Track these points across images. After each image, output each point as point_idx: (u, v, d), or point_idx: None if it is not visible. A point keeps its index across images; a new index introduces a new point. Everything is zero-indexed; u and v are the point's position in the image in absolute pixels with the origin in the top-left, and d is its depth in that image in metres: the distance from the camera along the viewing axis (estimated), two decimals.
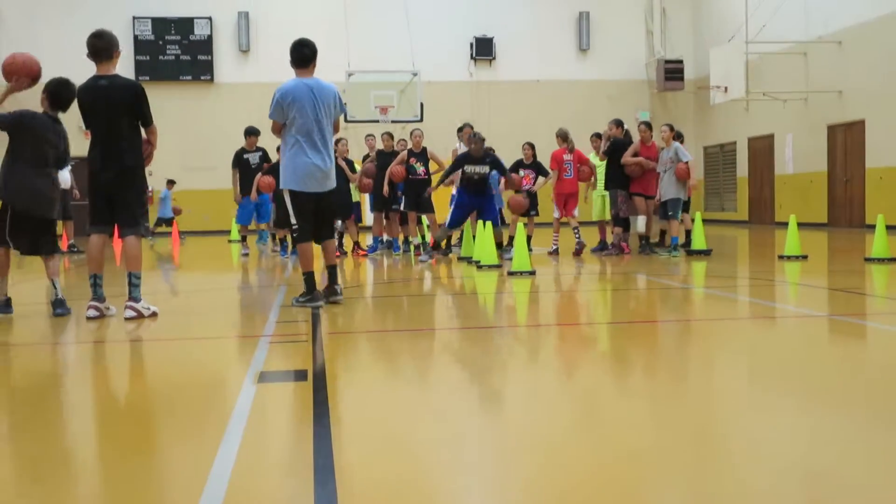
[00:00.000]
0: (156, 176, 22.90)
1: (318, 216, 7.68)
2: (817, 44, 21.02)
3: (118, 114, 7.05)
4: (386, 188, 14.07)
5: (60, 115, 7.67)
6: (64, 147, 7.63)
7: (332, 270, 7.76)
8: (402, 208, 14.22)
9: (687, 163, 12.69)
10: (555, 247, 14.01)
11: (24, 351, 6.21)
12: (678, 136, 13.00)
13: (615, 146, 13.39)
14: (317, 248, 7.87)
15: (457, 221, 12.90)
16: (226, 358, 5.70)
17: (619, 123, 13.72)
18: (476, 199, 12.71)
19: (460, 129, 14.34)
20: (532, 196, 14.03)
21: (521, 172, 14.09)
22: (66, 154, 7.67)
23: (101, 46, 7.12)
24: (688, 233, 13.46)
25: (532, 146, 14.48)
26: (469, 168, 12.52)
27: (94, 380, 5.20)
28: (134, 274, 7.11)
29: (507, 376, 4.98)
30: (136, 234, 7.19)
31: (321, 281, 7.81)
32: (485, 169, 12.57)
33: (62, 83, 7.62)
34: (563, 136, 13.76)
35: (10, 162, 7.44)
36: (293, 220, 7.62)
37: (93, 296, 7.16)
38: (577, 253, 13.39)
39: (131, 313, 7.03)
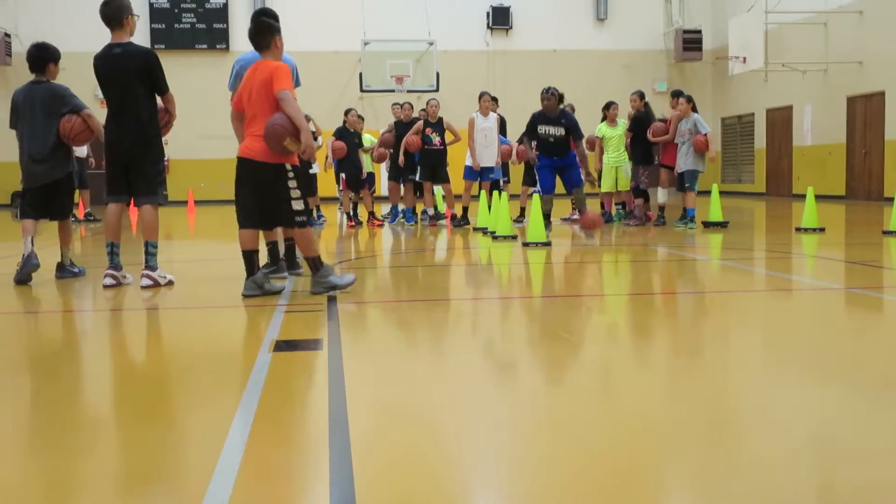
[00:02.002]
0: (171, 145, 22.95)
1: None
2: (838, 13, 20.78)
3: (132, 82, 7.02)
4: (402, 158, 14.05)
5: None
6: (67, 102, 7.61)
7: (291, 244, 7.65)
8: (417, 178, 14.22)
9: (706, 135, 12.61)
10: (570, 215, 14.17)
11: (41, 319, 6.26)
12: (693, 107, 12.91)
13: (637, 120, 13.38)
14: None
15: (548, 186, 11.59)
16: (241, 326, 5.72)
17: (641, 96, 13.69)
18: (557, 161, 11.53)
19: (481, 97, 14.24)
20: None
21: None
22: (75, 107, 7.63)
23: (111, 14, 7.08)
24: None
25: None
26: (542, 129, 11.41)
27: (110, 348, 5.24)
28: (150, 243, 7.14)
29: (522, 347, 4.98)
30: (152, 203, 7.20)
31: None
32: (560, 131, 11.41)
33: (31, 47, 7.81)
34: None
35: (19, 144, 7.71)
36: None
37: (109, 264, 7.19)
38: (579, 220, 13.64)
39: (148, 282, 7.06)
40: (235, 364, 4.55)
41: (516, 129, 15.16)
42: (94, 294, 7.08)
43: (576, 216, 14.33)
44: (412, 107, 14.92)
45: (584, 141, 12.04)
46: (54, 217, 7.87)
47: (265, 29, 6.47)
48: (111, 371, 4.58)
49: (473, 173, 14.05)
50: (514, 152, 14.25)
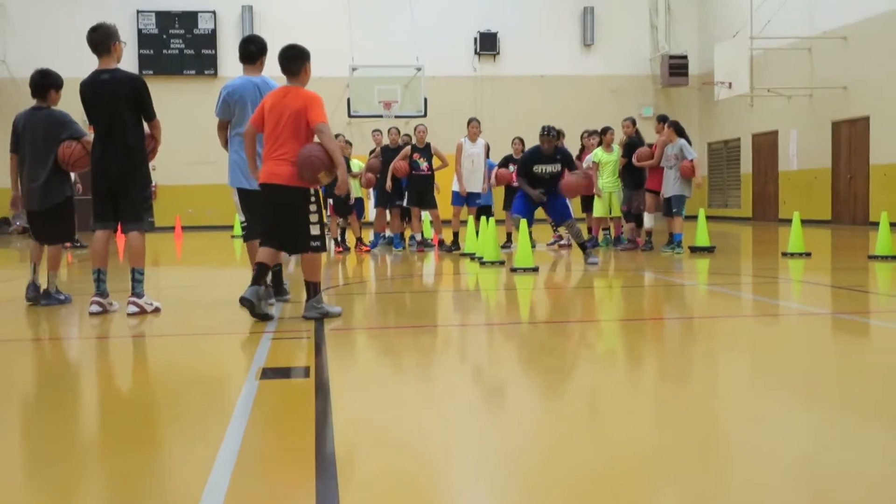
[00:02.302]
0: (159, 171, 22.92)
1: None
2: (822, 39, 20.97)
3: (120, 108, 7.03)
4: (389, 183, 14.06)
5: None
6: (67, 128, 7.71)
7: (278, 270, 7.64)
8: (405, 204, 14.23)
9: (692, 160, 12.68)
10: (554, 240, 14.35)
11: (27, 347, 6.22)
12: (680, 132, 12.98)
13: (630, 146, 13.50)
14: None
15: (523, 211, 11.32)
16: (228, 354, 5.70)
17: (633, 122, 13.84)
18: (543, 195, 11.30)
19: (469, 123, 14.28)
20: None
21: (511, 167, 14.16)
22: (75, 133, 7.72)
23: (98, 40, 7.11)
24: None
25: (522, 141, 14.60)
26: (539, 168, 11.14)
27: (96, 376, 5.20)
28: (137, 269, 7.12)
29: (510, 374, 4.98)
30: (139, 229, 7.19)
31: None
32: (556, 167, 11.17)
33: (35, 73, 7.93)
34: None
35: (19, 169, 7.92)
36: (241, 217, 7.56)
37: (96, 291, 7.17)
38: (559, 246, 14.29)
39: (134, 309, 7.03)
40: (222, 392, 4.53)
41: (503, 154, 15.20)
42: (80, 321, 7.05)
43: (563, 242, 14.42)
44: (399, 132, 14.92)
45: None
46: (45, 241, 7.91)
47: (298, 55, 6.62)
48: (97, 399, 4.55)
49: (461, 198, 14.10)
50: (493, 175, 14.28)
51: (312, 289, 6.59)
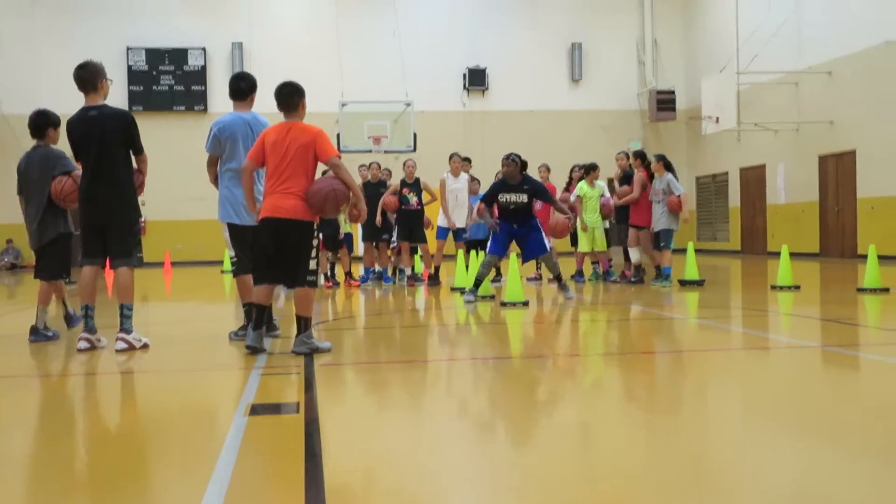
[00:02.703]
0: (148, 206, 22.93)
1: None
2: (808, 74, 21.16)
3: (109, 144, 7.05)
4: (379, 218, 14.07)
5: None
6: (59, 164, 7.78)
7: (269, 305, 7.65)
8: (394, 238, 14.25)
9: (679, 196, 12.74)
10: (535, 275, 14.44)
11: (14, 383, 6.17)
12: (668, 167, 13.05)
13: (626, 178, 13.62)
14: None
15: (498, 248, 11.04)
16: (217, 390, 5.67)
17: (628, 156, 13.95)
18: (516, 229, 11.01)
19: (451, 158, 14.32)
20: None
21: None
22: (65, 168, 7.78)
23: (86, 77, 7.14)
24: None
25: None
26: (504, 197, 10.88)
27: (83, 413, 5.17)
28: (126, 305, 7.09)
29: (500, 407, 4.95)
30: (128, 265, 7.18)
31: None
32: (523, 198, 10.86)
33: (32, 114, 8.05)
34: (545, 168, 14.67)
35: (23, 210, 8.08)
36: (231, 252, 7.56)
37: (84, 327, 7.13)
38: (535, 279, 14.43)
39: (123, 345, 7.00)
40: (211, 428, 4.50)
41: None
42: (68, 358, 7.01)
43: (532, 276, 14.48)
44: (379, 166, 14.93)
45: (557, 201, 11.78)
46: (39, 277, 7.94)
47: (294, 91, 6.74)
48: (85, 436, 4.51)
49: (445, 232, 14.11)
50: (474, 211, 14.32)
51: (304, 324, 6.58)
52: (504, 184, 10.99)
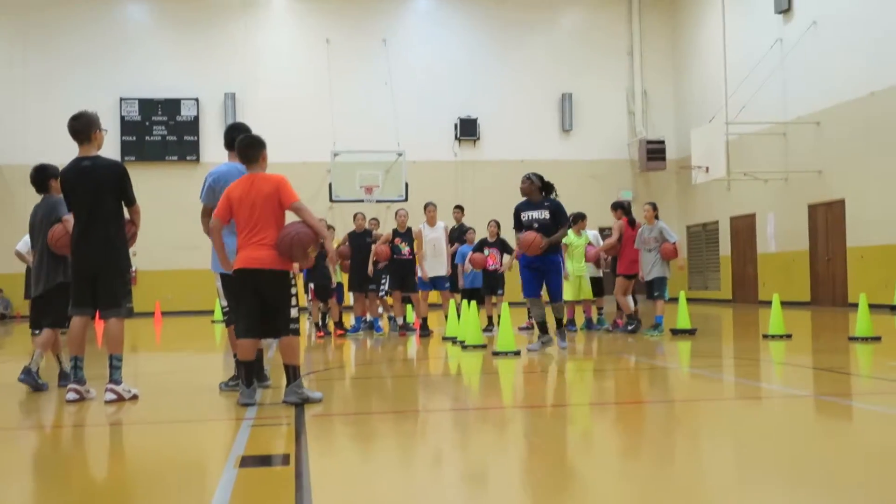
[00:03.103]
0: (139, 256, 22.91)
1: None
2: (796, 124, 21.37)
3: (102, 194, 7.07)
4: (371, 268, 14.05)
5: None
6: (55, 211, 7.86)
7: (259, 355, 7.57)
8: (386, 288, 14.24)
9: (675, 242, 12.76)
10: (527, 325, 14.45)
11: (2, 435, 6.11)
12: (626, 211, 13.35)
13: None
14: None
15: (532, 289, 10.68)
16: (207, 441, 5.62)
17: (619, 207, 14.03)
18: (539, 265, 10.59)
19: (426, 207, 14.28)
20: (499, 276, 14.27)
21: (486, 251, 14.27)
22: (59, 214, 7.83)
23: (80, 128, 7.19)
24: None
25: (497, 224, 14.69)
26: (526, 215, 10.65)
27: (71, 466, 5.11)
28: (115, 356, 7.05)
29: (492, 459, 4.92)
30: (117, 315, 7.14)
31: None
32: (545, 214, 10.55)
33: (32, 171, 8.16)
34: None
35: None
36: (223, 303, 7.55)
37: (73, 378, 7.08)
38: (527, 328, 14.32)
39: (112, 396, 6.95)
40: (200, 480, 4.46)
41: (484, 236, 15.30)
42: (57, 410, 6.95)
43: (524, 325, 14.50)
44: (364, 217, 14.93)
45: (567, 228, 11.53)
46: (37, 326, 8.08)
47: (255, 143, 6.81)
48: (73, 489, 4.46)
49: (426, 284, 14.08)
50: (467, 260, 14.34)
51: (293, 372, 6.57)
52: (526, 203, 10.87)
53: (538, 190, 10.81)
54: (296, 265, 7.61)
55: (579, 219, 14.05)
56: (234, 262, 6.63)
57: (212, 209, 7.46)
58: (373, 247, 13.99)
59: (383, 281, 14.72)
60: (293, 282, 6.70)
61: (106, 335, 7.21)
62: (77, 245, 7.13)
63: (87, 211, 7.08)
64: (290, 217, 6.75)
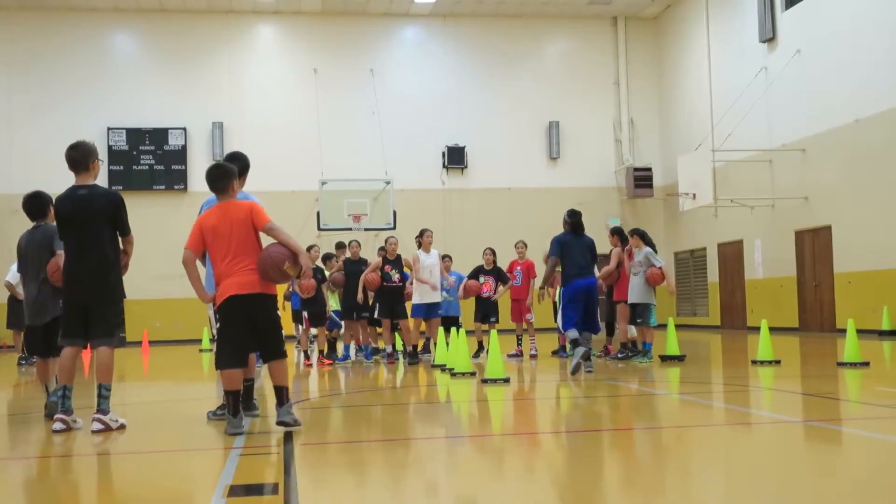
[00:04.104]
0: (126, 285, 22.77)
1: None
2: (782, 151, 21.50)
3: (98, 223, 7.10)
4: (360, 295, 14.03)
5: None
6: (38, 244, 7.87)
7: (250, 384, 7.54)
8: (375, 315, 14.21)
9: (661, 268, 12.72)
10: (515, 352, 14.45)
11: None
12: (647, 241, 13.09)
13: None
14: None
15: (570, 323, 11.17)
16: (195, 471, 5.57)
17: (615, 232, 14.03)
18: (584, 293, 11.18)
19: (419, 235, 14.31)
20: (492, 303, 14.32)
21: (482, 279, 14.31)
22: (43, 251, 7.83)
23: (77, 157, 7.22)
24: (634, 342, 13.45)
25: (493, 252, 14.75)
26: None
27: (59, 497, 5.06)
28: (104, 385, 7.00)
29: (483, 488, 4.89)
30: (109, 345, 7.11)
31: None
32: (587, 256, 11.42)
33: (25, 199, 8.15)
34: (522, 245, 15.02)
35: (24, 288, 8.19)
36: (214, 330, 7.52)
37: (60, 408, 7.02)
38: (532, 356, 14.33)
39: (99, 426, 6.89)
40: None
41: (472, 265, 15.32)
42: (44, 440, 6.88)
43: (533, 352, 14.46)
44: (359, 244, 15.00)
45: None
46: (39, 354, 8.12)
47: (225, 174, 6.83)
48: None
49: (420, 310, 13.97)
50: (461, 287, 14.37)
51: (286, 394, 6.63)
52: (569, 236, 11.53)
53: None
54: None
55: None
56: (224, 290, 6.60)
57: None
58: (362, 275, 13.98)
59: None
60: (277, 305, 6.83)
61: (96, 364, 7.19)
62: (70, 274, 7.10)
63: (82, 240, 7.09)
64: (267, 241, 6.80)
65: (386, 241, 14.33)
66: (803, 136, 20.81)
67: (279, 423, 6.53)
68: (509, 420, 7.98)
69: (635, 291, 12.80)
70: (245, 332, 6.61)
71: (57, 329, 7.71)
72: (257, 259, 6.57)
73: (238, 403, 6.64)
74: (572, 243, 11.42)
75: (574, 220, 11.65)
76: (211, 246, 6.63)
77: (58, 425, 6.94)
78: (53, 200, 7.73)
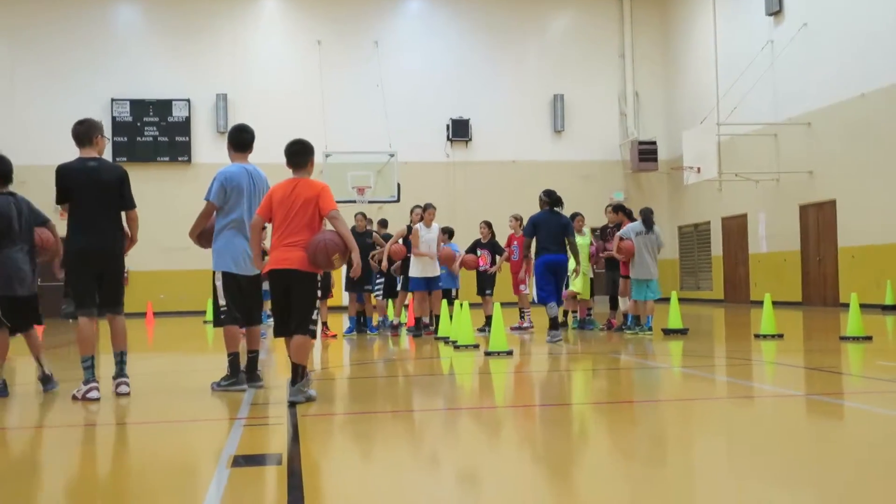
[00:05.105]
0: (131, 257, 22.81)
1: (250, 299, 7.61)
2: (787, 126, 21.42)
3: (108, 195, 7.23)
4: (385, 264, 13.88)
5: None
6: (27, 213, 7.59)
7: (254, 356, 7.64)
8: (398, 288, 14.19)
9: (624, 239, 12.83)
10: (520, 324, 14.43)
11: (5, 435, 6.10)
12: (626, 214, 13.48)
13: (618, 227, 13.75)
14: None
15: (548, 296, 11.99)
16: (199, 441, 5.61)
17: (613, 209, 14.05)
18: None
19: (423, 209, 14.16)
20: (489, 276, 14.29)
21: (479, 252, 14.29)
22: (30, 221, 7.61)
23: (82, 132, 7.34)
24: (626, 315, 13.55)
25: (489, 225, 14.75)
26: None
27: (64, 466, 5.09)
28: (124, 352, 7.34)
29: (486, 458, 4.92)
30: (120, 313, 7.40)
31: (243, 363, 7.64)
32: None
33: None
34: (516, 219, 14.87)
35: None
36: (222, 302, 7.54)
37: (90, 378, 7.08)
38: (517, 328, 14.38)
39: (126, 388, 7.25)
40: (192, 480, 4.45)
41: (475, 236, 15.29)
42: (48, 410, 6.92)
43: (528, 325, 14.48)
44: (365, 216, 14.95)
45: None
46: (22, 329, 7.73)
47: (304, 150, 6.99)
48: (63, 490, 4.45)
49: (421, 283, 13.82)
50: (458, 261, 14.30)
51: (302, 372, 6.61)
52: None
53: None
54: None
55: (575, 217, 14.08)
56: (268, 263, 6.76)
57: (213, 210, 7.49)
58: (386, 244, 13.91)
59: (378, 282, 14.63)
60: (319, 284, 6.87)
61: (114, 332, 7.40)
62: (86, 243, 7.14)
63: (95, 209, 7.18)
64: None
65: (412, 212, 14.15)
66: (809, 110, 20.73)
67: (290, 402, 6.52)
68: (510, 392, 8.01)
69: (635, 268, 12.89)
70: (284, 306, 6.70)
71: (33, 304, 7.68)
72: (310, 239, 6.59)
73: (297, 371, 6.58)
74: (548, 220, 12.17)
75: (551, 199, 12.30)
76: (275, 215, 6.73)
77: (94, 394, 7.05)
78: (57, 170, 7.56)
